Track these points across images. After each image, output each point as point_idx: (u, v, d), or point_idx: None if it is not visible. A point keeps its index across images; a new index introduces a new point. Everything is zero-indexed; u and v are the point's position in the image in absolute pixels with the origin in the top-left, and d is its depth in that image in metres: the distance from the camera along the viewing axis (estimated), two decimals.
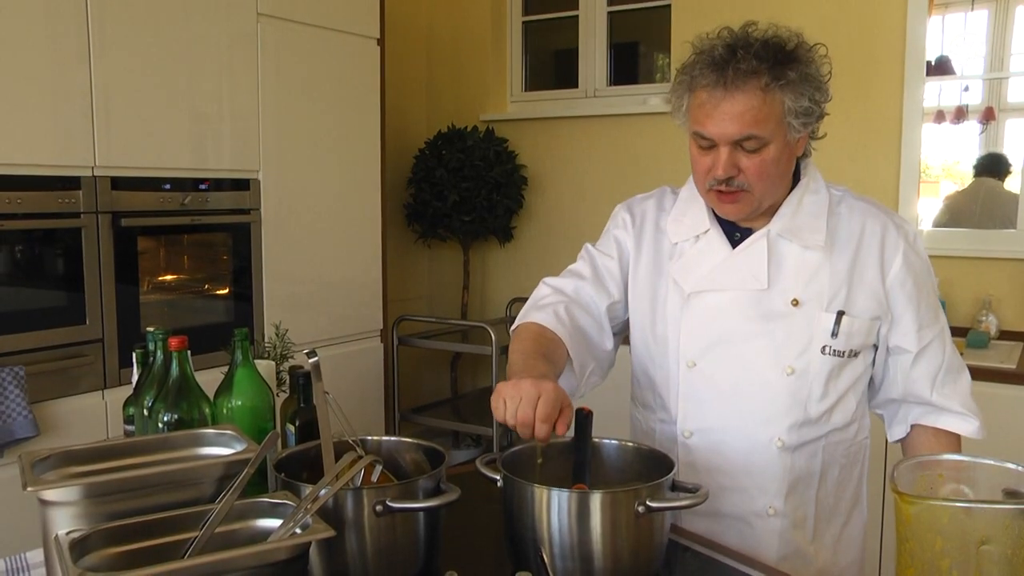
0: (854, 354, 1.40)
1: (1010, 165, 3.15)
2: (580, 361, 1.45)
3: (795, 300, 1.37)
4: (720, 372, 1.41)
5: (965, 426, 1.42)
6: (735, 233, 1.44)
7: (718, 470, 1.41)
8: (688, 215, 1.48)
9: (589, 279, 1.53)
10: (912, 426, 1.46)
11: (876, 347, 1.44)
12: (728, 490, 1.40)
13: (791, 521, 1.42)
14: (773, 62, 1.30)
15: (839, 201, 1.43)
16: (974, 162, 3.23)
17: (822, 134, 1.43)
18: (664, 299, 1.47)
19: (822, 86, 1.35)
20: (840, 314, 1.37)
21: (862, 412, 1.47)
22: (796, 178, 1.44)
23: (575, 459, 1.28)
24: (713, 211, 1.45)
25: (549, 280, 1.56)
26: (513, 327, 1.51)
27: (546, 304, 1.48)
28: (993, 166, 3.18)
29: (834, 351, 1.38)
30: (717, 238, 1.44)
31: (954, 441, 1.43)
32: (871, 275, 1.39)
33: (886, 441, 1.52)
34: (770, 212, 1.42)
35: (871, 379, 1.48)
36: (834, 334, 1.37)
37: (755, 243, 1.41)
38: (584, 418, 1.29)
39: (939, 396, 1.42)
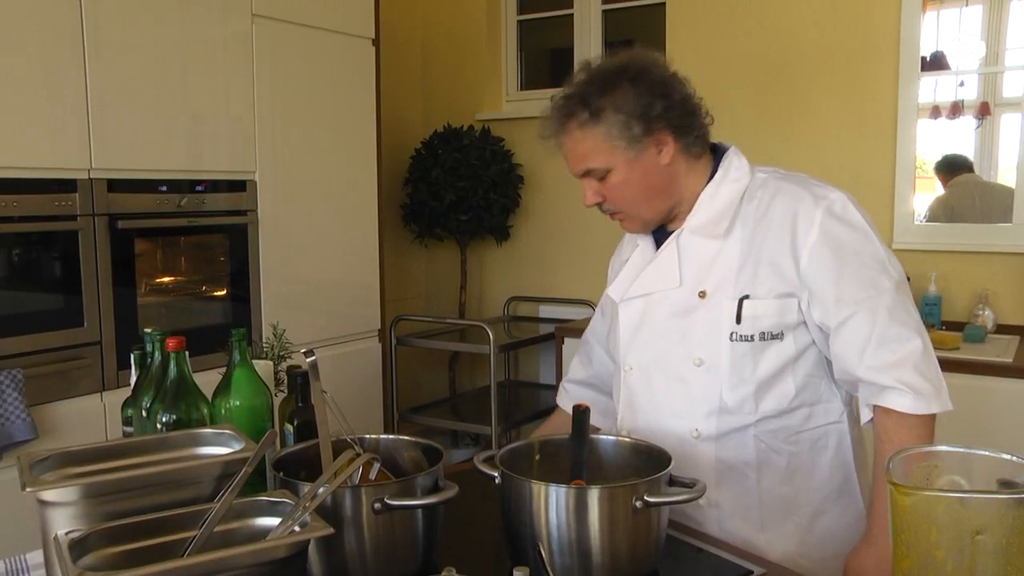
0: (770, 336, 1.37)
1: (969, 159, 3.16)
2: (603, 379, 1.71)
3: (703, 292, 1.41)
4: (648, 373, 1.48)
5: (900, 401, 1.28)
6: (664, 239, 1.50)
7: None
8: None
9: (601, 333, 1.70)
10: (873, 408, 1.35)
11: (808, 326, 1.38)
12: None
13: (728, 512, 1.42)
14: (584, 101, 1.38)
15: (760, 185, 1.43)
16: (936, 164, 3.22)
17: (709, 120, 1.46)
18: (608, 312, 1.61)
19: (654, 93, 1.38)
20: (743, 299, 1.37)
21: (817, 397, 1.41)
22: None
23: (572, 455, 1.28)
24: None
25: (576, 358, 1.79)
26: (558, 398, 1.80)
27: (572, 386, 1.77)
28: (965, 163, 3.18)
29: (741, 337, 1.38)
30: (646, 247, 1.53)
31: (914, 421, 1.29)
32: (780, 254, 1.36)
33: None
34: (689, 211, 1.47)
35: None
36: (739, 320, 1.37)
37: (668, 245, 1.47)
38: (581, 415, 1.29)
39: (867, 371, 1.31)
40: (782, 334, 1.38)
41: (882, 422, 1.33)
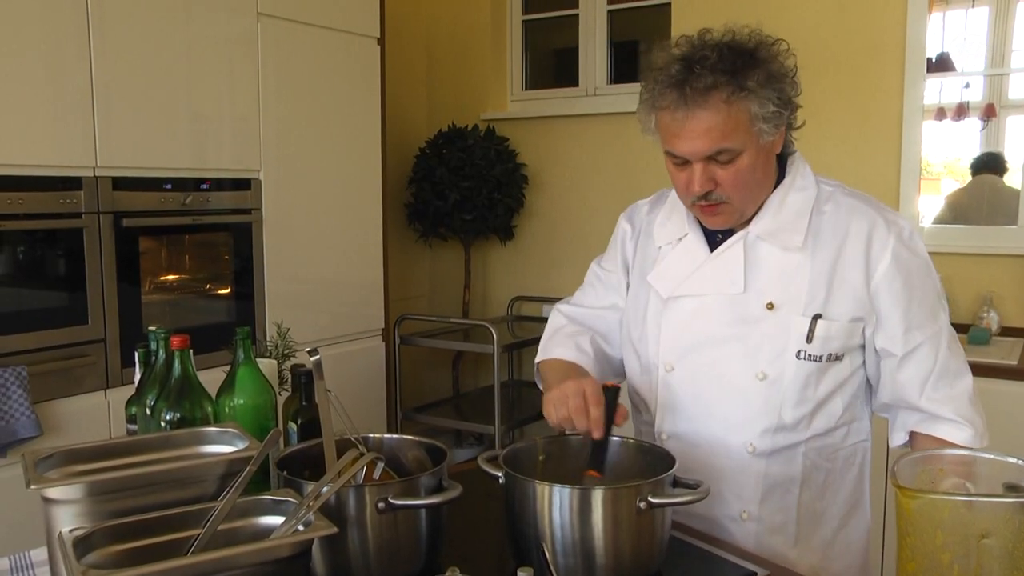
0: (835, 358, 1.35)
1: (1006, 162, 3.15)
2: (600, 377, 1.52)
3: (770, 304, 1.35)
4: (696, 377, 1.41)
5: (957, 434, 1.33)
6: (717, 235, 1.42)
7: (690, 473, 1.36)
8: (672, 218, 1.49)
9: (600, 303, 1.59)
10: (911, 433, 1.39)
11: (864, 348, 1.39)
12: None
13: (768, 526, 1.40)
14: (732, 72, 1.26)
15: (827, 198, 1.39)
16: (971, 161, 3.23)
17: (800, 123, 1.40)
18: (646, 303, 1.48)
19: (788, 82, 1.32)
20: (816, 318, 1.33)
21: (853, 416, 1.42)
22: (784, 175, 1.41)
23: (592, 445, 1.27)
24: None
25: (563, 308, 1.63)
26: (537, 360, 1.59)
27: (566, 336, 1.57)
28: (992, 163, 3.18)
29: (809, 356, 1.34)
30: (696, 241, 1.43)
31: None
32: (854, 276, 1.34)
33: (887, 444, 1.48)
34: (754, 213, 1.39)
35: (869, 381, 1.43)
36: (809, 339, 1.33)
37: (732, 246, 1.39)
38: (609, 393, 1.28)
39: (928, 402, 1.35)
40: (843, 356, 1.36)
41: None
